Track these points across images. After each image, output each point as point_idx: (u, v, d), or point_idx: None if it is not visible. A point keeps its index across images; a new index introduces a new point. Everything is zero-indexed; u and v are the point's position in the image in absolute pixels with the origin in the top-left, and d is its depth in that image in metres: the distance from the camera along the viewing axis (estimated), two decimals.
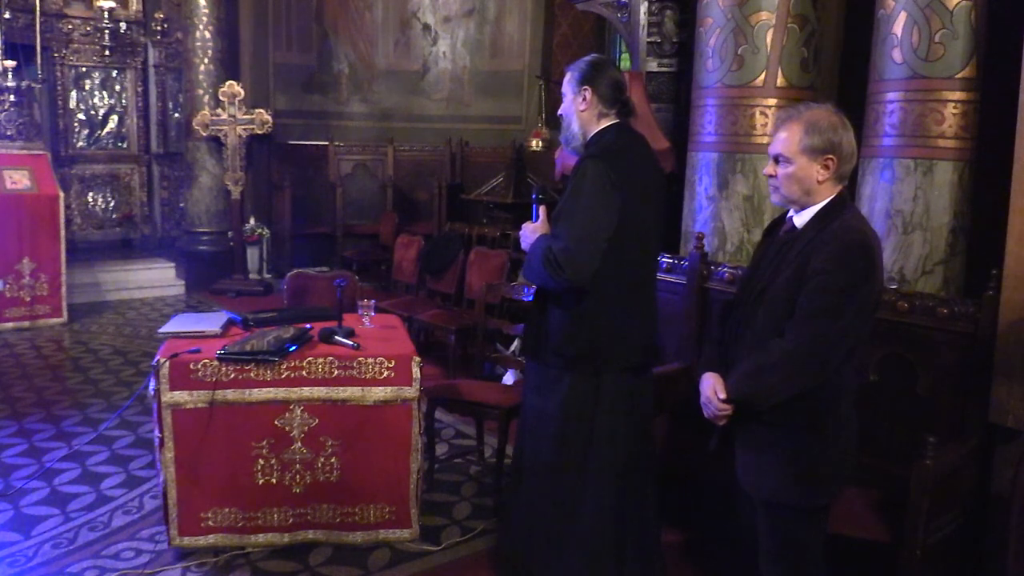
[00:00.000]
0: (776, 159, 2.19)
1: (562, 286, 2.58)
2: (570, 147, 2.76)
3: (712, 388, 2.25)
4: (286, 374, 3.18)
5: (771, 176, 2.21)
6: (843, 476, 2.23)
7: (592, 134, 2.70)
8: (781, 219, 2.33)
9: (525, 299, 2.75)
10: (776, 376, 2.11)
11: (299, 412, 3.21)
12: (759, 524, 2.29)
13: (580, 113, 2.70)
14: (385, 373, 3.22)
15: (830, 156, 2.11)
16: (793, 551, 2.25)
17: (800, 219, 2.20)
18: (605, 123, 2.69)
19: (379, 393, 3.23)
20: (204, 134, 8.36)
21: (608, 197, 2.54)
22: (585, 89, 2.67)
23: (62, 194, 7.25)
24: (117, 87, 9.35)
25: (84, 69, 9.12)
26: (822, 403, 2.14)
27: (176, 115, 9.56)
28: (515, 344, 5.24)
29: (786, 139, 2.15)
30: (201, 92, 8.52)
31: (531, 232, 2.70)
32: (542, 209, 2.72)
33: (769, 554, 2.27)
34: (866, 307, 2.11)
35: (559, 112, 2.79)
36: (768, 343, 2.14)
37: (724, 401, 2.20)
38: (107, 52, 9.03)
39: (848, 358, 2.15)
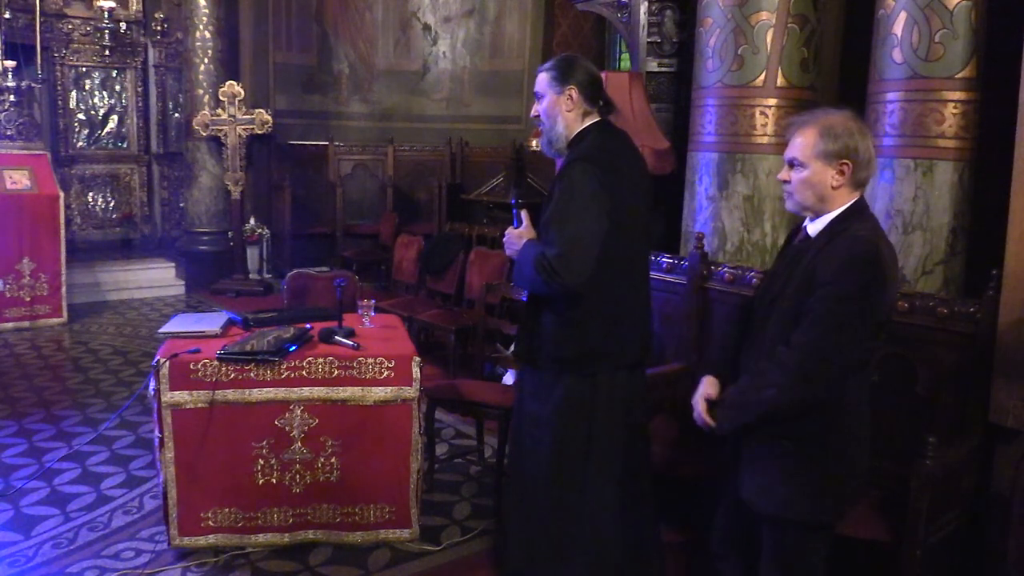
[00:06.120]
0: (791, 164, 2.16)
1: (557, 291, 2.53)
2: (554, 148, 2.69)
3: (703, 394, 2.25)
4: (286, 374, 3.18)
5: (785, 182, 2.18)
6: (849, 495, 2.20)
7: (575, 134, 2.65)
8: (800, 227, 2.29)
9: (525, 299, 2.74)
10: (773, 388, 2.08)
11: (299, 412, 3.21)
12: (761, 535, 2.27)
13: (566, 113, 2.63)
14: (385, 373, 3.22)
15: (845, 161, 2.08)
16: (793, 566, 2.23)
17: (814, 227, 2.16)
18: (588, 121, 2.66)
19: (379, 393, 3.23)
20: (204, 134, 8.36)
21: (599, 199, 2.50)
22: (571, 88, 2.61)
23: (62, 194, 7.25)
24: (117, 87, 9.35)
25: (84, 69, 9.12)
26: (827, 418, 2.10)
27: (176, 115, 9.56)
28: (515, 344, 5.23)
29: (801, 143, 2.12)
30: (201, 92, 8.52)
31: (516, 238, 2.64)
32: (524, 213, 2.66)
33: (770, 566, 2.26)
34: (872, 319, 2.05)
35: (534, 114, 2.71)
36: (772, 353, 2.11)
37: (711, 404, 2.17)
38: (107, 52, 9.03)
39: (855, 372, 2.10)
